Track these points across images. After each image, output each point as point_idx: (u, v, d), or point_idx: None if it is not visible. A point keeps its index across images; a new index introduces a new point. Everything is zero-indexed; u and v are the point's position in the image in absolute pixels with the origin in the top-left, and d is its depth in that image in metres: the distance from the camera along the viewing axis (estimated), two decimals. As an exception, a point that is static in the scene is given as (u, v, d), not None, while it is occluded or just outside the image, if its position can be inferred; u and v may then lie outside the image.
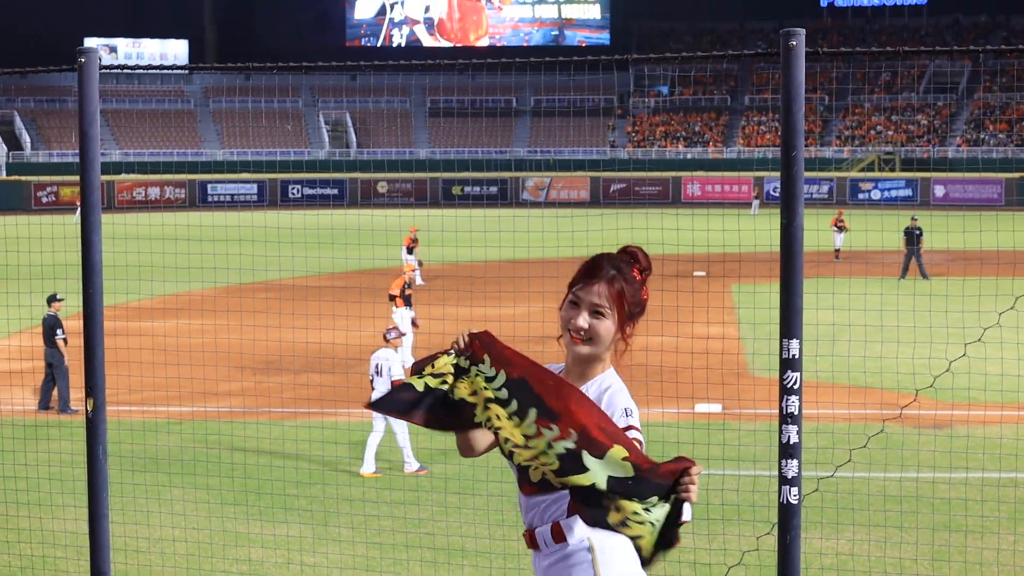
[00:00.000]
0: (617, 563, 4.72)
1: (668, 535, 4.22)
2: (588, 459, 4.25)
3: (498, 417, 4.45)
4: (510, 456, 4.53)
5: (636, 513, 4.23)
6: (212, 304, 26.92)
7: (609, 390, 4.70)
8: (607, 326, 4.69)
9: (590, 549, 4.69)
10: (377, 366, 15.78)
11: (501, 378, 4.46)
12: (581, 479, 4.25)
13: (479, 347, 4.54)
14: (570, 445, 4.28)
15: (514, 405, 4.42)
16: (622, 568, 4.72)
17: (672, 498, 4.19)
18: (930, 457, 15.19)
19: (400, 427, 15.55)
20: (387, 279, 27.75)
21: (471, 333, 4.60)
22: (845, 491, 13.74)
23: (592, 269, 4.74)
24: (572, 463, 4.26)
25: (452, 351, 4.61)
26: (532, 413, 4.37)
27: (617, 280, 4.70)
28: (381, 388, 15.61)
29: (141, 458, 15.21)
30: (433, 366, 4.60)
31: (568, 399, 4.35)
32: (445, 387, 4.55)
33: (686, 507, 4.20)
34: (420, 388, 4.55)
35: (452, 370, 4.56)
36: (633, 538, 4.27)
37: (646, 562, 4.33)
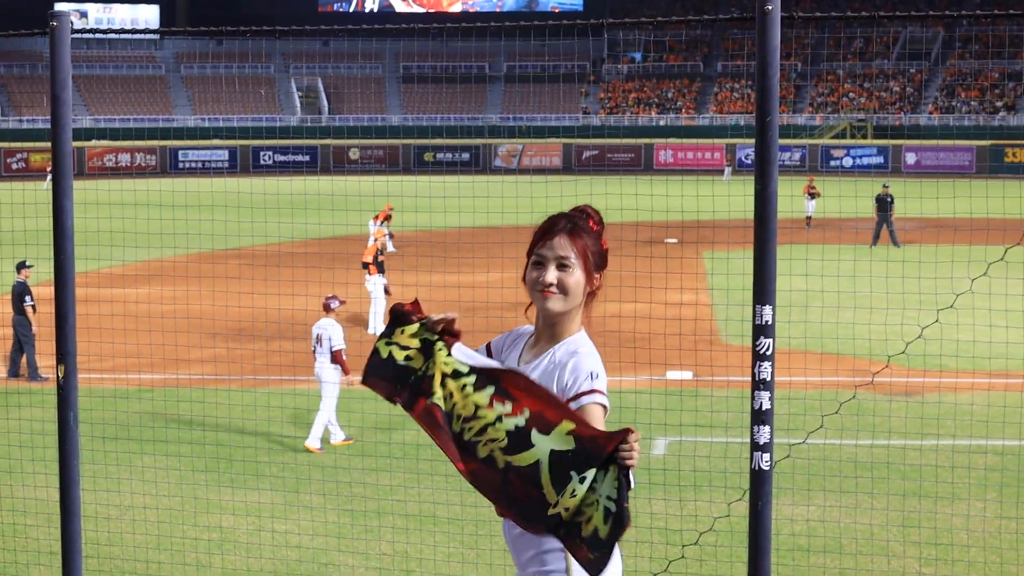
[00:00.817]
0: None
1: (620, 511, 4.15)
2: (535, 436, 4.27)
3: (452, 394, 4.48)
4: (460, 434, 4.48)
5: (580, 495, 4.19)
6: (183, 271, 26.80)
7: (577, 354, 4.66)
8: (576, 277, 4.67)
9: None
10: (317, 336, 15.58)
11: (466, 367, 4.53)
12: (526, 456, 4.27)
13: (449, 340, 4.57)
14: (520, 423, 4.31)
15: (473, 378, 4.46)
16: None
17: (614, 467, 4.15)
18: (901, 424, 15.27)
19: (331, 401, 15.35)
20: (359, 246, 27.67)
21: (446, 322, 4.60)
22: (816, 458, 13.80)
23: (549, 226, 4.74)
24: (519, 440, 4.29)
25: (425, 320, 4.60)
26: (490, 389, 4.41)
27: (576, 231, 4.70)
28: (322, 359, 15.47)
29: (112, 425, 15.14)
30: (403, 332, 4.59)
31: (522, 386, 4.39)
32: (409, 362, 4.56)
33: (630, 474, 4.15)
34: (384, 355, 4.55)
35: (419, 344, 4.56)
36: (592, 527, 4.20)
37: (608, 545, 4.21)
